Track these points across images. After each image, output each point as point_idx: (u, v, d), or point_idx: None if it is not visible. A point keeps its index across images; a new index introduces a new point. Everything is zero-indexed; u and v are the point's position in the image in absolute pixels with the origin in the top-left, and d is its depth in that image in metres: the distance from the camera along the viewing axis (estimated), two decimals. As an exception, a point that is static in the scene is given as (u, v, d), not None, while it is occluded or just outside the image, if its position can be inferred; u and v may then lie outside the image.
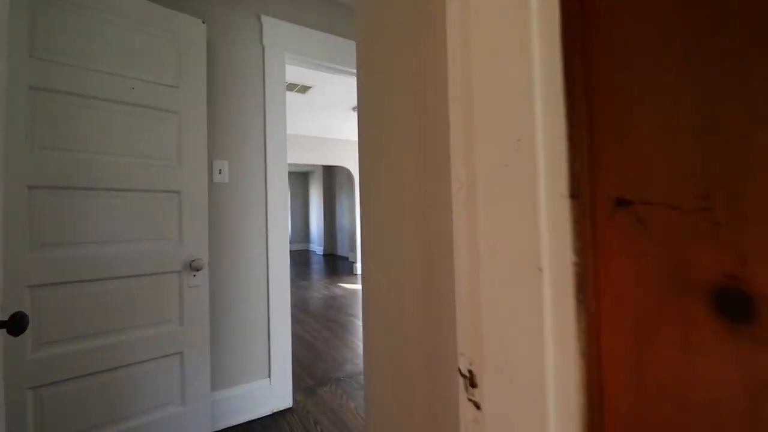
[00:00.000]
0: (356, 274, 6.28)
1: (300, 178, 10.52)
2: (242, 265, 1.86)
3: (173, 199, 1.52)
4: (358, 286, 5.41)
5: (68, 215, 1.29)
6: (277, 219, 1.95)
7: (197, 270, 1.54)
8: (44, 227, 1.25)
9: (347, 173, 8.02)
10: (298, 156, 5.75)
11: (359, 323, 3.62)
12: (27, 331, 1.21)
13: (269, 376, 1.91)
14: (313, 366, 2.49)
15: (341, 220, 8.55)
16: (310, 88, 3.71)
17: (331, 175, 9.16)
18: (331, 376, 2.30)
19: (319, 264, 7.77)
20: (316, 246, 9.81)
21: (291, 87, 3.67)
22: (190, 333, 1.55)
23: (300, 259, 8.54)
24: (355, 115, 4.66)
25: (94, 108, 1.35)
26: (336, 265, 7.55)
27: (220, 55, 1.82)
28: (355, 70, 2.29)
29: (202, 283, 1.59)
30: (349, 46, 2.25)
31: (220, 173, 1.81)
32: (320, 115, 4.69)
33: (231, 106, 1.85)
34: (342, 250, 8.66)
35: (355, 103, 4.17)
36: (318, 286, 5.52)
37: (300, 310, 4.18)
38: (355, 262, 6.44)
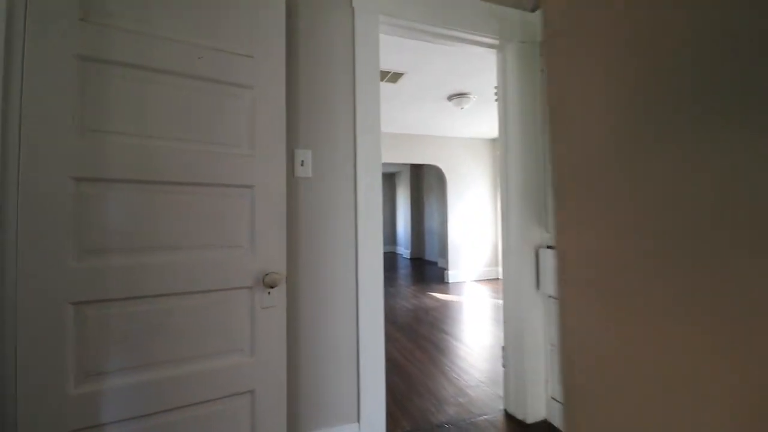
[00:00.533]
0: (447, 283, 5.75)
1: (387, 178, 10.32)
2: (325, 279, 1.50)
3: (245, 196, 1.21)
4: (451, 297, 4.88)
5: (119, 215, 1.04)
6: (370, 221, 1.56)
7: (272, 287, 1.20)
8: (92, 230, 1.00)
9: (437, 172, 7.54)
10: (385, 155, 5.44)
11: (456, 344, 3.11)
12: (70, 359, 0.97)
13: (358, 420, 1.52)
14: (407, 401, 2.06)
15: (430, 222, 8.08)
16: (402, 75, 3.32)
17: (419, 174, 8.76)
18: (432, 420, 1.83)
19: (406, 268, 7.39)
20: (403, 249, 9.49)
21: (381, 76, 3.32)
22: (263, 366, 1.22)
23: (387, 263, 8.28)
24: (451, 106, 4.16)
25: (154, 82, 1.09)
26: (424, 270, 7.10)
27: (301, 19, 1.49)
28: (467, 36, 1.81)
29: (278, 303, 1.25)
30: (457, 1, 1.77)
31: (302, 165, 1.47)
32: (410, 109, 4.29)
33: (314, 82, 1.51)
34: (430, 255, 8.18)
35: (452, 90, 3.67)
36: (406, 293, 5.12)
37: (389, 322, 3.81)
38: (446, 268, 5.91)
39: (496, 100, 1.92)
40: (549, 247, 1.87)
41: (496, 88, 2.03)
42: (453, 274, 5.78)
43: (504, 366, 1.97)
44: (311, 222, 1.48)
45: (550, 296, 1.84)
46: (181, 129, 1.12)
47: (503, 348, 2.00)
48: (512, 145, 1.93)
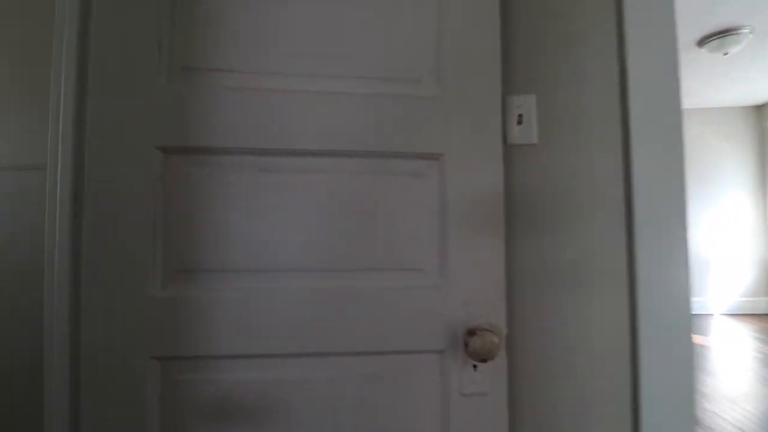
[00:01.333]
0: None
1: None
2: (564, 333, 0.79)
3: (426, 175, 0.64)
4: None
5: (223, 211, 0.60)
6: (665, 235, 0.78)
7: (484, 358, 0.58)
8: (183, 236, 0.58)
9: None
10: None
11: (728, 425, 1.91)
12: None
13: None
14: None
15: (637, 230, 6.24)
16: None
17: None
18: None
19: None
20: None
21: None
22: None
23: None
24: (703, 55, 2.80)
25: (277, -20, 0.62)
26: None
27: None
28: None
29: (493, 389, 0.62)
30: None
31: (519, 123, 0.82)
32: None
33: (543, -30, 0.84)
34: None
35: (711, 27, 2.40)
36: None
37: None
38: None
39: None
40: None
41: None
42: (689, 303, 4.10)
43: None
44: (537, 226, 0.81)
45: None
46: (318, 57, 0.62)
47: None
48: None
